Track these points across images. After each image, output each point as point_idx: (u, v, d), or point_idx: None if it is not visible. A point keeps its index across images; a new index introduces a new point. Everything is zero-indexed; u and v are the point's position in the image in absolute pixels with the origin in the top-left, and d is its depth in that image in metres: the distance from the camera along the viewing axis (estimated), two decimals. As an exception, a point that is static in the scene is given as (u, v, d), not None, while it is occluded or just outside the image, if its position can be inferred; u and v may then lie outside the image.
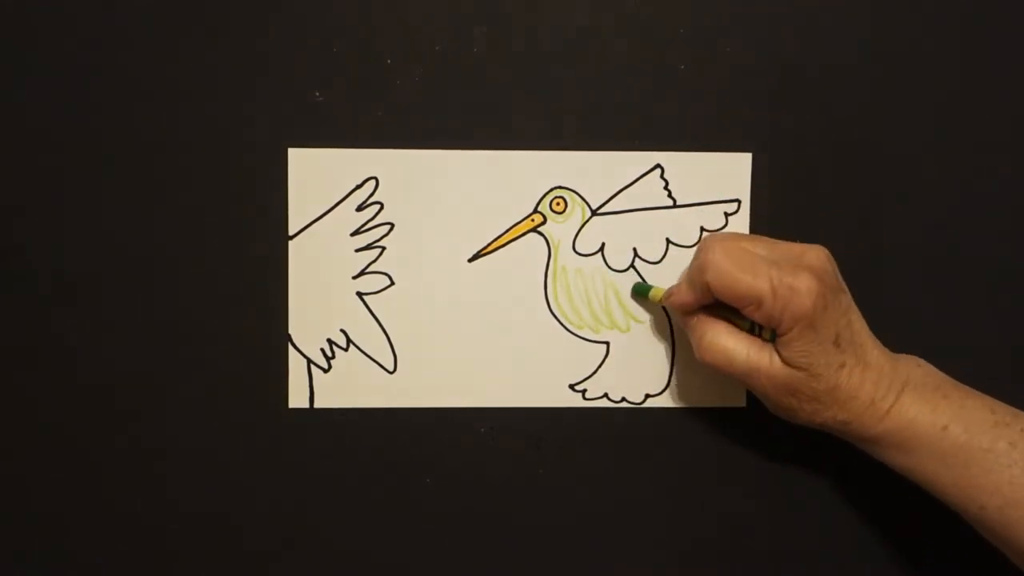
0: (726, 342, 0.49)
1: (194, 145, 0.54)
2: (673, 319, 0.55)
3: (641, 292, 0.55)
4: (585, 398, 0.56)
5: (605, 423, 0.56)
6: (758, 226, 0.55)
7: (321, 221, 0.54)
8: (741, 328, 0.50)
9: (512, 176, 0.55)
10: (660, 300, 0.54)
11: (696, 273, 0.49)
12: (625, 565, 0.56)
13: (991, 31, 0.55)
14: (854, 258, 0.55)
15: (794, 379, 0.48)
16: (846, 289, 0.49)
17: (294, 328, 0.55)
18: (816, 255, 0.48)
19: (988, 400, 0.48)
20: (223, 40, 0.53)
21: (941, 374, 0.50)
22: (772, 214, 0.55)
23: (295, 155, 0.54)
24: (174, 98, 0.53)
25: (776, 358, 0.48)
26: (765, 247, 0.49)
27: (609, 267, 0.55)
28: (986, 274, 0.56)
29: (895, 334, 0.55)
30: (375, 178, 0.54)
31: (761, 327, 0.49)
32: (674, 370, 0.56)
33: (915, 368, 0.49)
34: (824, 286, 0.47)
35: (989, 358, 0.56)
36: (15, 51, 0.53)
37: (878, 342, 0.50)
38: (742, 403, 0.56)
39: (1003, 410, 0.48)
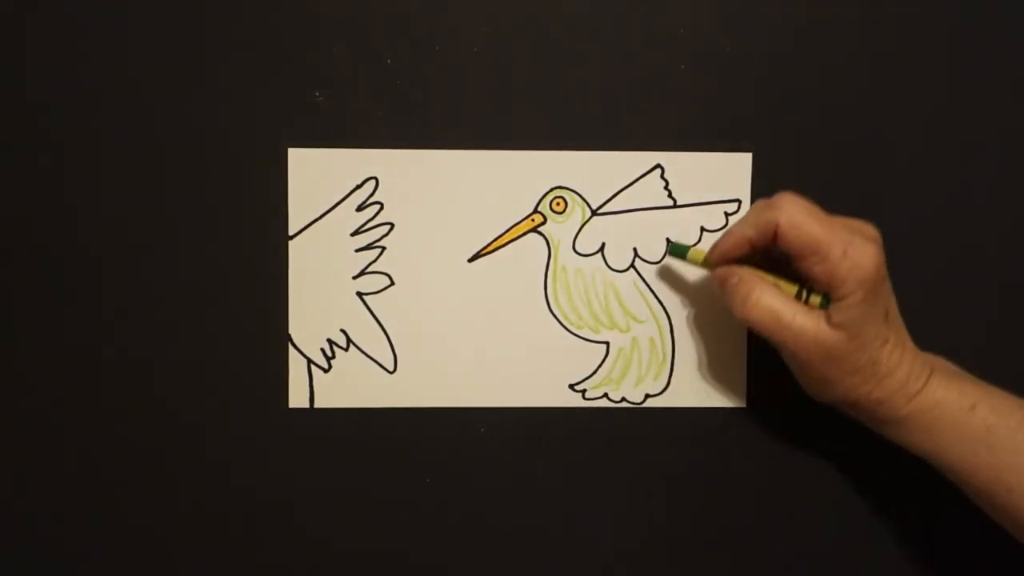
0: (774, 302, 0.48)
1: (194, 145, 0.54)
2: (673, 318, 0.55)
3: (678, 252, 0.53)
4: (585, 398, 0.56)
5: (605, 423, 0.56)
6: (758, 226, 0.55)
7: (321, 221, 0.54)
8: (788, 293, 0.49)
9: (512, 176, 0.55)
10: (702, 260, 0.52)
11: (766, 211, 0.48)
12: (625, 565, 0.56)
13: (990, 30, 0.55)
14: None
15: (841, 346, 0.47)
16: None
17: (294, 328, 0.55)
18: (875, 231, 0.48)
19: (1011, 393, 0.49)
20: (223, 40, 0.53)
21: (964, 371, 0.51)
22: (772, 214, 0.55)
23: (295, 155, 0.54)
24: (174, 98, 0.53)
25: (824, 324, 0.47)
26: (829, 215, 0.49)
27: (609, 267, 0.55)
28: (987, 273, 0.56)
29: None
30: (375, 178, 0.54)
31: (810, 293, 0.48)
32: (674, 370, 0.56)
33: (941, 361, 0.51)
34: (882, 260, 0.48)
35: (989, 356, 0.56)
36: (15, 52, 0.53)
37: None
38: (742, 403, 0.56)
39: None
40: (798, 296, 0.49)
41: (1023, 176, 0.56)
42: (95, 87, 0.53)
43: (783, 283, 0.49)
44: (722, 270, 0.51)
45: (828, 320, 0.47)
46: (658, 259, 0.55)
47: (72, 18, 0.53)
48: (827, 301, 0.48)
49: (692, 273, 0.55)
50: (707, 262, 0.52)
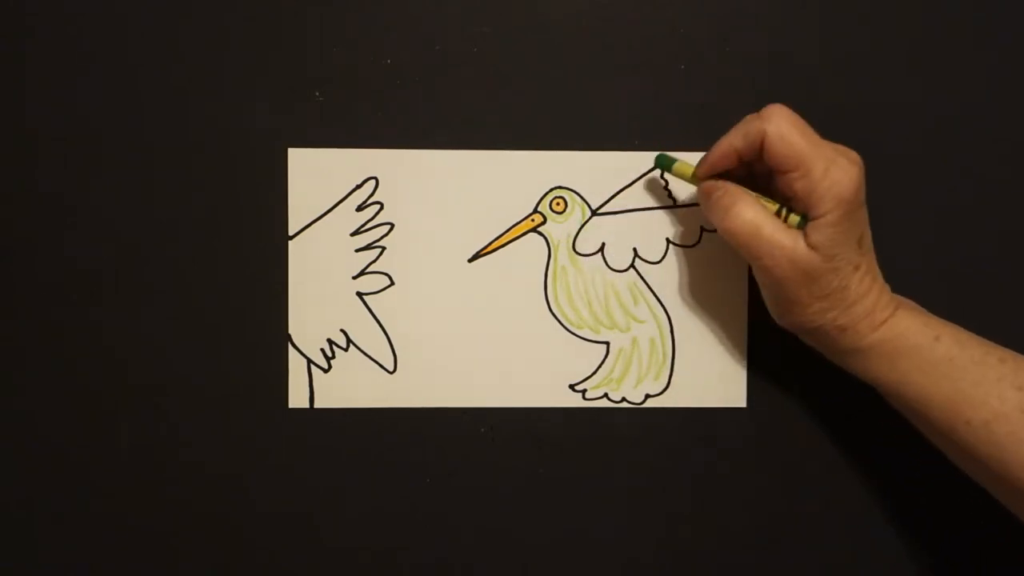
0: (756, 215, 0.48)
1: (194, 145, 0.54)
2: (673, 318, 0.55)
3: (664, 164, 0.53)
4: (585, 398, 0.56)
5: (605, 423, 0.56)
6: (758, 226, 0.55)
7: (321, 221, 0.54)
8: (770, 209, 0.49)
9: (512, 176, 0.55)
10: (690, 175, 0.52)
11: (755, 121, 0.48)
12: (625, 565, 0.56)
13: (992, 30, 0.55)
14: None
15: (815, 266, 0.47)
16: None
17: (294, 328, 0.55)
18: (858, 157, 0.48)
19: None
20: (224, 40, 0.53)
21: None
22: (772, 214, 0.55)
23: (295, 155, 0.54)
24: (174, 98, 0.53)
25: (801, 242, 0.48)
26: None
27: (609, 267, 0.55)
28: (988, 274, 0.56)
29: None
30: (375, 178, 0.54)
31: (789, 212, 0.48)
32: (674, 370, 0.56)
33: (909, 301, 0.51)
34: (862, 184, 0.47)
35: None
36: (13, 52, 0.53)
37: None
38: (742, 403, 0.56)
39: (991, 342, 0.48)
40: (778, 214, 0.49)
41: None
42: (95, 87, 0.53)
43: (765, 200, 0.49)
44: (708, 184, 0.51)
45: (805, 239, 0.48)
46: (658, 259, 0.55)
47: (72, 18, 0.53)
48: (804, 221, 0.48)
49: (692, 273, 0.55)
50: (694, 176, 0.52)
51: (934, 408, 0.47)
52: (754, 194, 0.49)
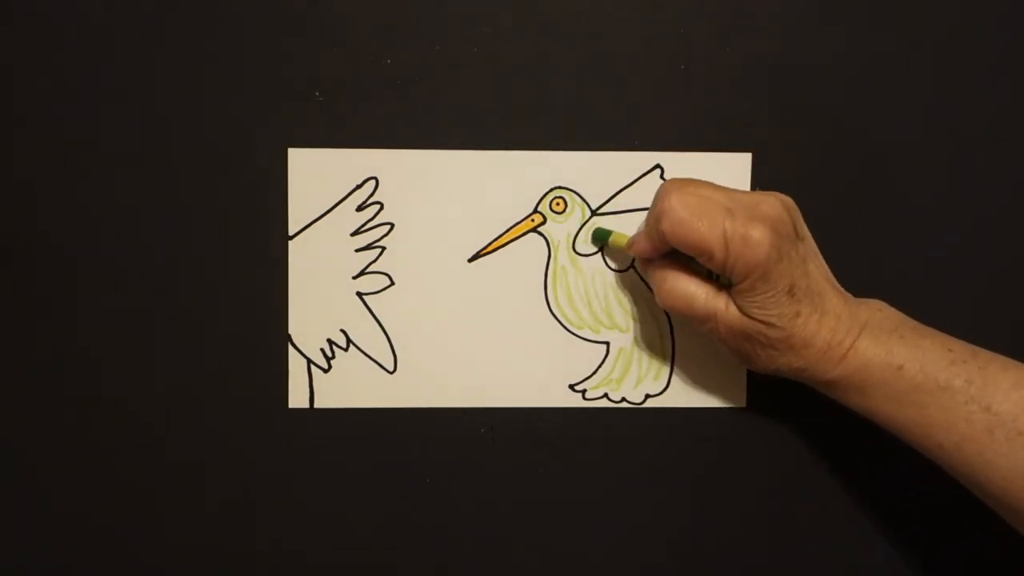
0: (687, 287, 0.50)
1: (194, 145, 0.54)
2: (673, 318, 0.56)
3: (601, 237, 0.55)
4: (585, 398, 0.56)
5: (605, 423, 0.56)
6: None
7: (321, 221, 0.54)
8: (699, 273, 0.50)
9: (512, 176, 0.55)
10: (623, 247, 0.53)
11: (653, 222, 0.49)
12: (625, 565, 0.56)
13: (992, 32, 0.55)
14: (853, 259, 0.55)
15: (748, 327, 0.48)
16: (806, 236, 0.49)
17: (294, 328, 0.55)
18: (772, 205, 0.48)
19: (947, 339, 0.48)
20: (223, 40, 0.53)
21: (901, 316, 0.49)
22: (772, 214, 0.55)
23: (295, 155, 0.54)
24: (174, 98, 0.53)
25: (732, 305, 0.49)
26: (723, 195, 0.48)
27: (609, 267, 0.55)
28: (987, 275, 0.56)
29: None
30: (375, 178, 0.54)
31: (717, 274, 0.49)
32: (674, 370, 0.56)
33: (876, 312, 0.49)
34: (778, 237, 0.47)
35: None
36: (16, 52, 0.53)
37: (839, 288, 0.50)
38: (742, 403, 0.56)
39: (961, 348, 0.48)
40: (709, 275, 0.50)
41: None
42: (94, 87, 0.53)
43: (696, 265, 0.50)
44: (642, 260, 0.53)
45: (734, 302, 0.49)
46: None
47: (72, 18, 0.53)
48: (730, 282, 0.49)
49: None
50: (629, 248, 0.53)
51: (907, 433, 0.48)
52: (684, 264, 0.50)
